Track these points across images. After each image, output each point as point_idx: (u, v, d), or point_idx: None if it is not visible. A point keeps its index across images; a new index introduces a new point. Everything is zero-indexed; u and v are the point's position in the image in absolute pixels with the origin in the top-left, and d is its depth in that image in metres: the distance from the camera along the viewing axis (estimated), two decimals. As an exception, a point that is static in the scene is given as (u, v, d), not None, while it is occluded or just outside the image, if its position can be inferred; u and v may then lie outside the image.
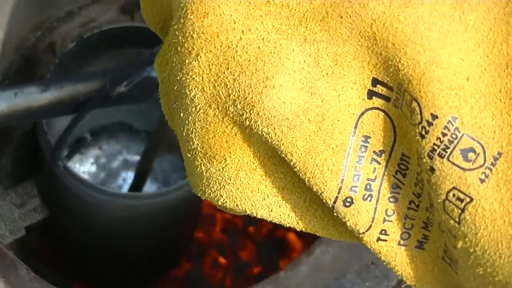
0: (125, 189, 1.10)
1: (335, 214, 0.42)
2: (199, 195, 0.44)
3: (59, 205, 0.98)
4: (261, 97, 0.39)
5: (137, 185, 0.95)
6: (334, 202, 0.41)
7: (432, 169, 0.39)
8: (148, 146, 0.90)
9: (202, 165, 0.42)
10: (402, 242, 0.43)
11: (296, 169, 0.41)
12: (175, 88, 0.41)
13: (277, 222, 0.44)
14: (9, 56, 1.01)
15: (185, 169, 0.45)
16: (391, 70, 0.39)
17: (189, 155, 0.42)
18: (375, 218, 0.42)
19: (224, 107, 0.40)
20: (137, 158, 1.09)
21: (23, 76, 1.02)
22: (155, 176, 1.12)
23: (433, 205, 0.41)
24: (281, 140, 0.40)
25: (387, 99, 0.40)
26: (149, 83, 0.88)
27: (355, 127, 0.40)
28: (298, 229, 0.44)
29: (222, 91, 0.40)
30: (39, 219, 0.95)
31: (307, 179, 0.41)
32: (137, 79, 0.87)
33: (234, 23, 0.39)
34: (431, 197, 0.41)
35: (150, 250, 1.08)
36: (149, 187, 1.11)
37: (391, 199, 0.42)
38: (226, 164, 0.42)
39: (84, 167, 1.12)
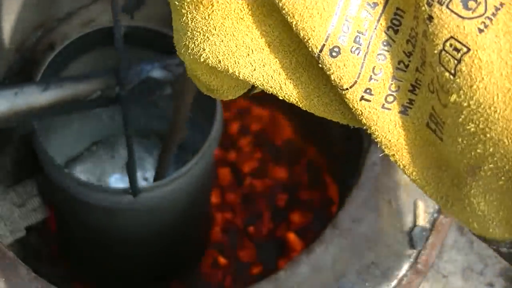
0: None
1: (320, 65, 0.40)
2: (182, 53, 0.42)
3: (62, 209, 0.97)
4: None
5: (160, 174, 0.94)
6: (320, 51, 0.40)
7: (430, 18, 0.38)
8: (163, 144, 0.90)
9: (188, 13, 0.41)
10: (386, 105, 0.41)
11: (284, 11, 0.39)
12: None
13: (259, 85, 0.42)
14: (10, 56, 1.01)
15: (173, 25, 0.43)
16: None
17: (177, 3, 0.41)
18: (361, 74, 0.40)
19: None
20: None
21: (23, 76, 1.02)
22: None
23: (425, 64, 0.40)
24: None
25: None
26: (149, 83, 0.88)
27: None
28: (280, 96, 0.42)
29: None
30: (40, 219, 0.95)
31: (295, 22, 0.39)
32: (137, 79, 0.87)
33: None
34: (426, 51, 0.39)
35: (151, 251, 1.08)
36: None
37: (380, 57, 0.41)
38: (213, 11, 0.40)
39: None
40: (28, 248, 1.08)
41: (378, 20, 0.40)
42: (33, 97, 0.84)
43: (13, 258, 0.82)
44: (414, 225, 0.85)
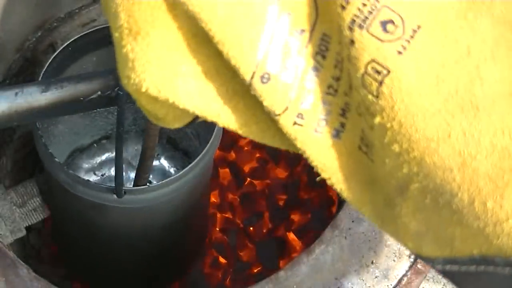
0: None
1: (252, 92, 0.41)
2: (125, 84, 0.43)
3: (60, 207, 0.97)
4: None
5: (140, 180, 0.94)
6: (252, 78, 0.41)
7: (352, 42, 0.39)
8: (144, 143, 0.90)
9: (128, 44, 0.42)
10: (318, 129, 0.42)
11: (215, 41, 0.40)
12: None
13: (199, 114, 0.43)
14: (10, 56, 1.01)
15: (116, 57, 0.44)
16: None
17: (117, 35, 0.42)
18: (292, 100, 0.41)
19: None
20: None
21: (23, 76, 1.02)
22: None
23: (352, 87, 0.41)
24: (202, 7, 0.40)
25: None
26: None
27: (277, 2, 0.40)
28: (220, 124, 0.43)
29: None
30: (40, 219, 0.95)
31: (225, 51, 0.40)
32: (137, 79, 0.87)
33: None
34: (351, 76, 0.40)
35: (152, 253, 1.08)
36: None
37: (310, 83, 0.41)
38: (150, 42, 0.41)
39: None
40: (28, 248, 1.08)
41: (306, 46, 0.41)
42: (34, 97, 0.84)
43: (13, 258, 0.82)
44: (414, 225, 0.85)
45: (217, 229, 1.22)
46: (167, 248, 1.07)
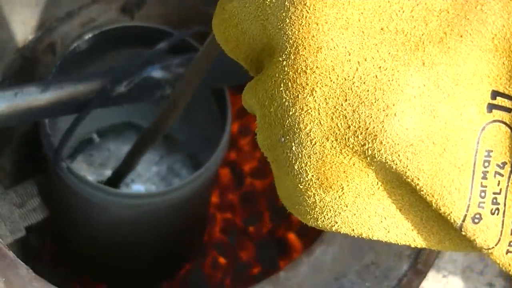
0: (133, 189, 1.09)
1: (463, 232, 0.42)
2: (309, 223, 0.44)
3: (62, 206, 0.98)
4: (383, 126, 0.40)
5: (114, 180, 0.94)
6: (463, 221, 0.42)
7: None
8: (138, 141, 0.90)
9: (316, 195, 0.42)
10: None
11: (422, 192, 0.41)
12: (286, 123, 0.41)
13: (393, 242, 0.45)
14: (9, 56, 1.01)
15: (290, 198, 0.45)
16: None
17: (301, 186, 0.43)
18: (503, 231, 0.42)
19: (344, 138, 0.41)
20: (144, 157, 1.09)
21: (23, 76, 1.02)
22: (152, 177, 1.12)
23: None
24: (407, 166, 0.41)
25: (507, 110, 0.41)
26: (149, 83, 0.88)
27: (478, 143, 0.41)
28: (412, 246, 0.45)
29: (340, 123, 0.40)
30: (39, 219, 0.95)
31: (434, 201, 0.41)
32: (137, 79, 0.87)
33: (349, 54, 0.39)
34: None
35: (153, 251, 1.08)
36: (149, 188, 1.11)
37: None
38: (343, 193, 0.42)
39: (92, 168, 1.12)
40: (28, 248, 1.08)
41: (509, 177, 0.42)
42: (33, 97, 0.85)
43: (13, 258, 0.82)
44: (414, 225, 0.85)
45: (217, 229, 1.22)
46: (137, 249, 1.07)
